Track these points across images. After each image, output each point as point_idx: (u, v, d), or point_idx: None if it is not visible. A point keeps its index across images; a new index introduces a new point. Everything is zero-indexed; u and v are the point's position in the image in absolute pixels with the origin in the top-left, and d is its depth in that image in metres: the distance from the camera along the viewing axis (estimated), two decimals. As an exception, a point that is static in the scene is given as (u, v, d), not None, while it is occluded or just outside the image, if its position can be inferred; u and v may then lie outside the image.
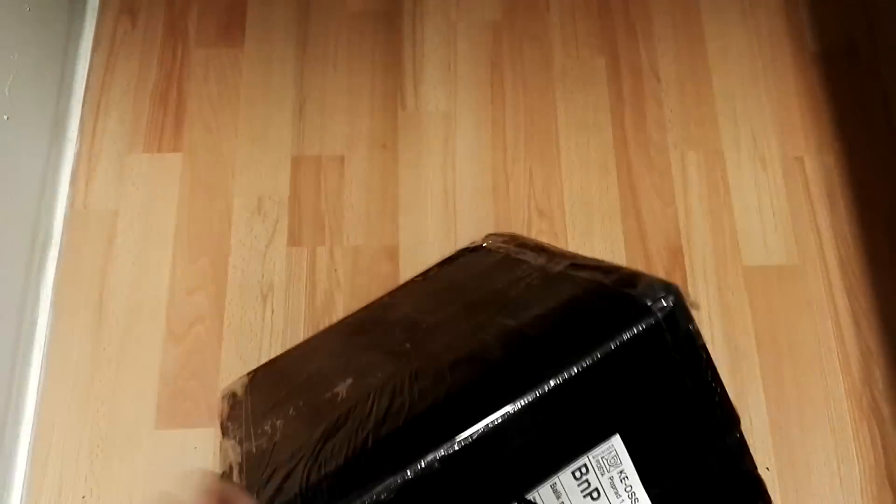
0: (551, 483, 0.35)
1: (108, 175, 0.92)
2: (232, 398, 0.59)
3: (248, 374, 0.62)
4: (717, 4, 1.04)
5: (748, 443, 0.39)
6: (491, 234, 0.59)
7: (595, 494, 0.35)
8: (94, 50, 0.99)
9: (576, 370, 0.33)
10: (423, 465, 0.32)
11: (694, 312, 0.35)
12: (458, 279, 0.57)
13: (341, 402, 0.41)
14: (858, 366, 0.86)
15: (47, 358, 0.84)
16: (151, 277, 0.87)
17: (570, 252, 0.44)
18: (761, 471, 0.40)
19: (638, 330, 0.34)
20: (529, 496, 0.34)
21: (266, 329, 0.85)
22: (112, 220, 0.90)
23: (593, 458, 0.35)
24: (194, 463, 0.80)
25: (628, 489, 0.36)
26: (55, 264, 0.88)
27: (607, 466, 0.35)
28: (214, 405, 0.82)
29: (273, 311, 0.86)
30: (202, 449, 0.80)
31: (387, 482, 0.32)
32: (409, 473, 0.32)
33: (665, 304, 0.34)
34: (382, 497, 0.32)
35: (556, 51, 1.01)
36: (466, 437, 0.33)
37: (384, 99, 0.97)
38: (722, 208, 0.93)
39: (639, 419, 0.35)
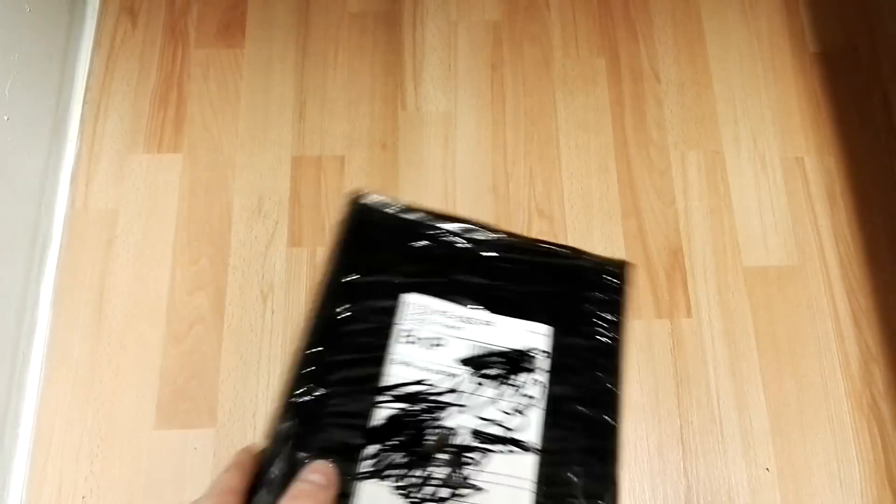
0: (398, 364, 0.39)
1: (108, 175, 0.92)
2: None
3: None
4: (717, 4, 1.04)
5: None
6: None
7: (439, 342, 0.41)
8: (95, 50, 0.99)
9: (338, 268, 0.42)
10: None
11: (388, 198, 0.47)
12: None
13: None
14: (858, 366, 0.86)
15: (47, 358, 0.84)
16: (151, 277, 0.87)
17: None
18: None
19: (353, 219, 0.45)
20: (399, 392, 0.39)
21: (266, 329, 0.85)
22: (112, 220, 0.90)
23: (405, 323, 0.41)
24: (194, 463, 0.80)
25: (454, 317, 0.41)
26: (55, 264, 0.88)
27: (419, 318, 0.41)
28: (214, 405, 0.82)
29: (273, 311, 0.86)
30: (202, 449, 0.80)
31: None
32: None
33: (358, 197, 0.46)
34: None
35: (556, 51, 1.01)
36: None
37: (384, 99, 0.97)
38: (722, 208, 0.93)
39: (408, 272, 0.43)
